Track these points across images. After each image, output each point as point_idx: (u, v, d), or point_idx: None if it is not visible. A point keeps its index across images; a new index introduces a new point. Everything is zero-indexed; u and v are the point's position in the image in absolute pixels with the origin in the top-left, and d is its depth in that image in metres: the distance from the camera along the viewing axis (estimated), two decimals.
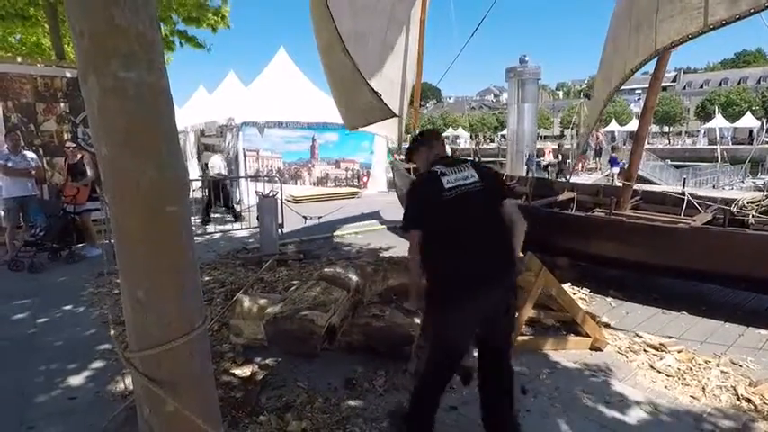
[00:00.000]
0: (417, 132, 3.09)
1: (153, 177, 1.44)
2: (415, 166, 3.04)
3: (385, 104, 6.59)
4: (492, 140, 55.13)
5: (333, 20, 5.63)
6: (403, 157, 11.29)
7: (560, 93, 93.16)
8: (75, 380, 3.21)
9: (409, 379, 3.03)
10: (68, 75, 7.50)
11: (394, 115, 7.05)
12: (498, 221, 2.31)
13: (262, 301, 3.61)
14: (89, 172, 6.55)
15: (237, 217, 9.26)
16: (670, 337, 3.76)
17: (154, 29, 1.41)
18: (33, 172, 6.38)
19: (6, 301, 4.75)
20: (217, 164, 9.87)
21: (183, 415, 1.54)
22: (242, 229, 8.29)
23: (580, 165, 20.77)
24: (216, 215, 9.53)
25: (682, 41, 3.74)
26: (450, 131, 60.70)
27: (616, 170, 13.53)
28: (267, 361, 3.36)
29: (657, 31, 3.92)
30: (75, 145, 6.84)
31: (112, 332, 1.70)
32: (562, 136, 55.33)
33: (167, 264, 1.53)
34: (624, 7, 4.90)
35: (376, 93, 6.37)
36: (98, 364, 3.43)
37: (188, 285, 1.61)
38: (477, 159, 23.07)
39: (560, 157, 12.10)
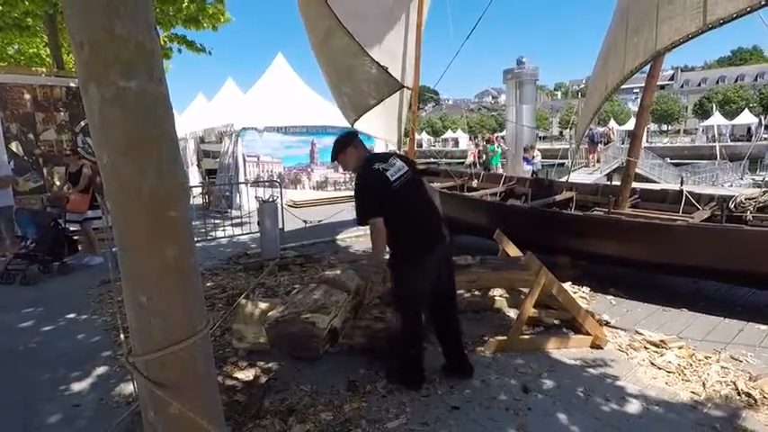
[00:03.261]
0: (340, 135, 3.31)
1: (154, 184, 1.46)
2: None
3: (392, 77, 6.53)
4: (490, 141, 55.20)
5: (331, 9, 5.74)
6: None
7: (558, 93, 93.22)
8: (80, 387, 3.23)
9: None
10: (72, 84, 7.55)
11: (401, 86, 6.90)
12: (431, 195, 3.06)
13: (263, 306, 3.63)
14: (86, 172, 6.49)
15: None
16: (670, 334, 3.78)
17: (152, 38, 1.44)
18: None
19: (11, 311, 4.77)
20: None
21: (188, 416, 1.56)
22: (243, 234, 8.32)
23: (590, 157, 20.93)
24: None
25: (682, 41, 3.76)
26: (449, 134, 60.88)
27: (528, 168, 13.78)
28: (270, 365, 3.38)
29: (658, 33, 3.94)
30: (70, 152, 6.84)
31: (122, 336, 1.73)
32: (561, 136, 55.36)
33: (169, 268, 1.55)
34: (621, 8, 4.92)
35: (382, 66, 6.33)
36: (102, 370, 3.45)
37: (190, 289, 1.63)
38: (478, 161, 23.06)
39: (484, 157, 13.79)
